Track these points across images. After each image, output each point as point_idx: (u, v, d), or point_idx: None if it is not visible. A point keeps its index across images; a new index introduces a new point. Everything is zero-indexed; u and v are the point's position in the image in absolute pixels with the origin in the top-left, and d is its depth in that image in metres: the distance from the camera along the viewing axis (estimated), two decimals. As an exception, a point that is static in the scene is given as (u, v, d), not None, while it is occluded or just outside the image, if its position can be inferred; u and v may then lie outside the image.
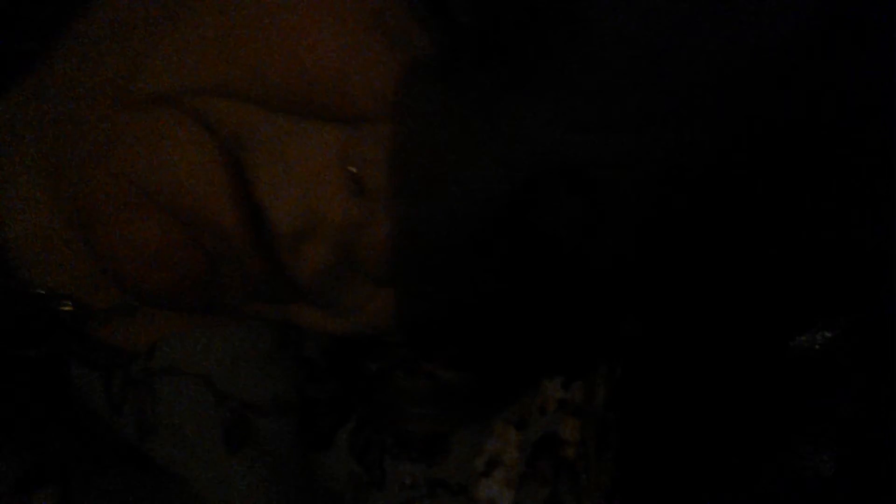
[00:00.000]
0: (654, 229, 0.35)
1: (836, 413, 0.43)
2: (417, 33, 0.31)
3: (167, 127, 0.32)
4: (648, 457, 0.42)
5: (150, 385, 0.35)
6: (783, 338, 0.44)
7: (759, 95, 0.32)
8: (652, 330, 0.42)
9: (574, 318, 0.39)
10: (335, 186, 0.31)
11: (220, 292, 0.34)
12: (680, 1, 0.30)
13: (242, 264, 0.33)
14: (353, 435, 0.37)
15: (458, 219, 0.32)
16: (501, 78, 0.31)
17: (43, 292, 0.37)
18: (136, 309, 0.38)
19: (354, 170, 0.31)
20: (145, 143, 0.32)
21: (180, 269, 0.33)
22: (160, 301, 0.36)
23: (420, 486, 0.37)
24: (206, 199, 0.31)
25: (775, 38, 0.31)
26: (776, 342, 0.44)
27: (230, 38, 0.31)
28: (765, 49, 0.31)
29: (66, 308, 0.37)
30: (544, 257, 0.35)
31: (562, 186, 0.33)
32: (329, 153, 0.31)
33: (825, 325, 0.44)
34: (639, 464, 0.42)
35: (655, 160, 0.33)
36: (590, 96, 0.31)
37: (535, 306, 0.37)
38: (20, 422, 0.34)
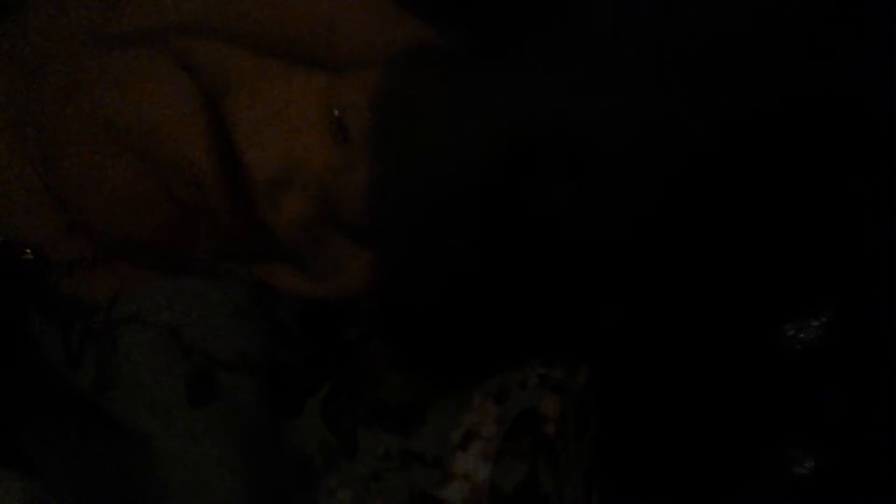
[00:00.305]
0: (641, 204, 0.34)
1: (823, 409, 0.43)
2: None
3: (145, 65, 0.31)
4: (629, 443, 0.41)
5: (112, 335, 0.33)
6: (770, 327, 0.43)
7: (749, 61, 0.32)
8: (637, 314, 0.42)
9: (557, 295, 0.38)
10: (318, 132, 0.30)
11: (192, 246, 0.33)
12: None
13: (216, 214, 0.31)
14: (325, 402, 0.36)
15: (438, 177, 0.31)
16: (489, 40, 0.30)
17: (1, 240, 0.35)
18: (99, 262, 0.36)
19: (338, 113, 0.30)
20: (121, 81, 0.31)
21: (151, 218, 0.32)
22: (128, 252, 0.34)
23: (393, 457, 0.36)
24: (180, 141, 0.30)
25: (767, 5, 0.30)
26: (763, 331, 0.43)
27: None
28: (755, 13, 0.30)
29: (27, 257, 0.35)
30: (528, 229, 0.34)
31: (548, 156, 0.32)
32: (314, 98, 0.31)
33: (812, 316, 0.43)
34: (619, 449, 0.40)
35: (642, 126, 0.32)
36: (576, 59, 0.31)
37: (517, 280, 0.36)
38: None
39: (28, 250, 0.36)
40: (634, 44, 0.30)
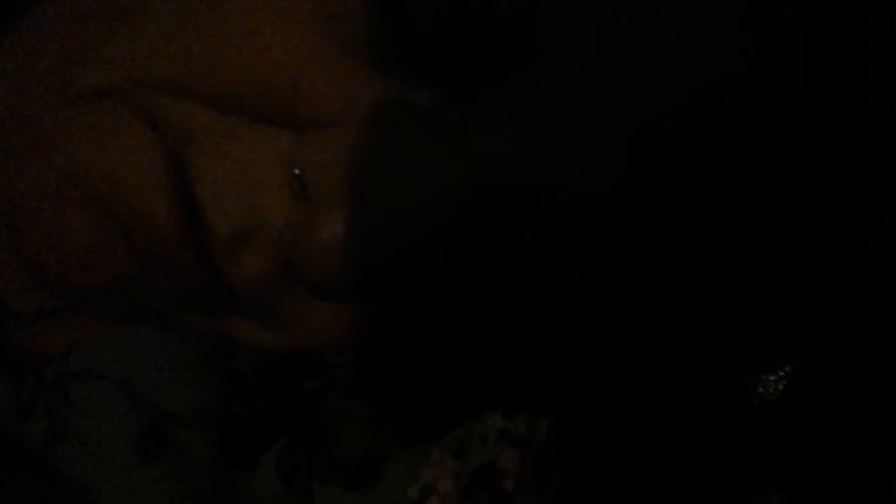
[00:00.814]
0: (607, 255, 0.35)
1: (785, 457, 0.43)
2: (375, 43, 0.30)
3: (110, 120, 0.31)
4: (594, 496, 0.40)
5: (65, 389, 0.33)
6: (733, 379, 0.43)
7: (716, 126, 0.32)
8: (600, 365, 0.42)
9: (520, 345, 0.38)
10: (279, 190, 0.31)
11: (151, 297, 0.33)
12: (638, 28, 0.30)
13: (176, 267, 0.31)
14: (280, 456, 0.35)
15: (401, 231, 0.31)
16: (458, 93, 0.31)
17: (-41, 287, 0.35)
18: (58, 313, 0.36)
19: (298, 171, 0.30)
20: (85, 135, 0.31)
21: (110, 269, 0.32)
22: (86, 302, 0.34)
23: (349, 513, 0.35)
24: (141, 195, 0.31)
25: (732, 66, 0.31)
26: (726, 383, 0.43)
27: (183, 36, 0.31)
28: (720, 78, 0.31)
29: (-17, 305, 0.35)
30: (493, 278, 0.34)
31: (515, 207, 0.33)
32: (275, 156, 0.31)
33: (772, 369, 0.43)
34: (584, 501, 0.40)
35: (607, 186, 0.32)
36: (546, 119, 0.31)
37: (479, 330, 0.36)
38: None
39: (-16, 298, 0.36)
40: (607, 103, 0.31)
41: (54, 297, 0.35)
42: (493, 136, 0.31)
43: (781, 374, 0.42)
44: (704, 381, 0.42)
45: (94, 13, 0.33)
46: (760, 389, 0.42)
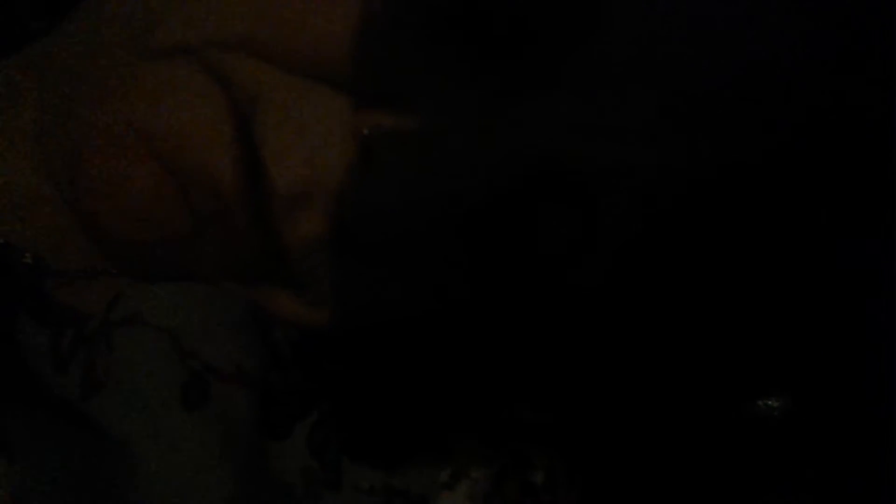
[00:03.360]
0: (640, 252, 0.35)
1: (790, 478, 0.42)
2: (438, 20, 0.31)
3: (180, 77, 0.31)
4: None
5: (108, 337, 0.33)
6: (740, 400, 0.43)
7: (769, 111, 0.32)
8: (610, 372, 0.41)
9: (549, 338, 0.38)
10: (342, 151, 0.31)
11: (197, 261, 0.33)
12: (695, 13, 0.31)
13: (229, 227, 0.32)
14: (312, 429, 0.35)
15: (452, 202, 0.32)
16: (515, 71, 0.31)
17: (2, 241, 0.35)
18: (99, 274, 0.36)
19: (366, 131, 0.31)
20: (154, 90, 0.32)
21: (162, 226, 0.32)
22: (132, 261, 0.34)
23: (377, 492, 0.35)
24: (206, 151, 0.31)
25: (782, 51, 0.31)
26: (732, 403, 0.43)
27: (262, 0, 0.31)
28: (773, 61, 0.31)
29: (26, 260, 0.35)
30: (523, 265, 0.34)
31: (554, 193, 0.33)
32: (341, 119, 0.31)
33: (779, 392, 0.43)
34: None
35: (652, 174, 0.32)
36: (599, 100, 0.31)
37: (509, 318, 0.36)
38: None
39: (27, 254, 0.35)
40: (661, 87, 0.31)
41: (95, 257, 0.35)
42: (545, 114, 0.31)
43: (784, 396, 0.42)
44: (713, 400, 0.42)
45: None
46: (764, 412, 0.42)
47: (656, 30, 0.31)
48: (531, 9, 0.31)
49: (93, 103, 0.33)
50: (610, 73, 0.31)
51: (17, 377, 0.33)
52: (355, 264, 0.33)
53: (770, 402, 0.42)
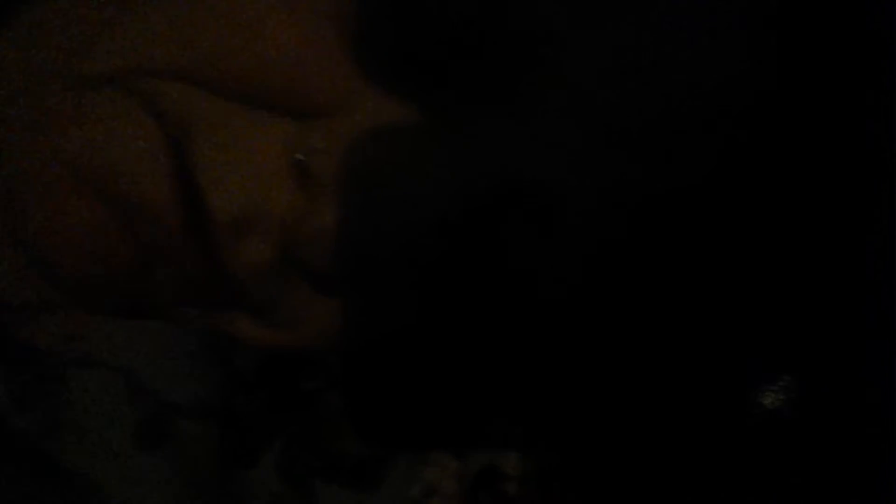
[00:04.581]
0: (604, 261, 0.35)
1: (787, 471, 0.42)
2: (379, 40, 0.31)
3: (112, 107, 0.31)
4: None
5: (63, 376, 0.32)
6: (735, 390, 0.43)
7: (716, 128, 0.32)
8: (598, 374, 0.41)
9: (519, 352, 0.38)
10: (279, 176, 0.31)
11: (149, 290, 0.33)
12: (649, 31, 0.31)
13: (176, 257, 0.31)
14: (280, 454, 0.35)
15: (401, 224, 0.31)
16: (462, 92, 0.31)
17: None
18: (55, 308, 0.35)
19: (301, 157, 0.30)
20: (87, 122, 0.31)
21: (109, 259, 0.31)
22: (86, 296, 0.34)
23: (350, 512, 0.35)
24: (142, 183, 0.30)
25: (731, 64, 0.31)
26: (727, 394, 0.43)
27: (189, 24, 0.31)
28: (720, 77, 0.31)
29: (-19, 298, 0.35)
30: (487, 282, 0.34)
31: (514, 209, 0.33)
32: (277, 143, 0.31)
33: (773, 379, 0.43)
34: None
35: (608, 186, 0.33)
36: (554, 117, 0.31)
37: (476, 334, 0.36)
38: None
39: (-18, 291, 0.35)
40: (615, 102, 0.31)
41: (49, 292, 0.35)
42: (494, 136, 0.31)
43: (782, 384, 0.41)
44: (705, 393, 0.42)
45: (97, 3, 0.33)
46: (761, 401, 0.42)
47: (596, 58, 0.30)
48: (472, 39, 0.30)
49: (27, 135, 0.32)
50: (553, 99, 0.30)
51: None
52: (309, 292, 0.33)
53: (769, 389, 0.42)
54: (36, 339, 0.35)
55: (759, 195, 0.35)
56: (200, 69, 0.31)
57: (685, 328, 0.39)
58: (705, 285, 0.37)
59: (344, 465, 0.35)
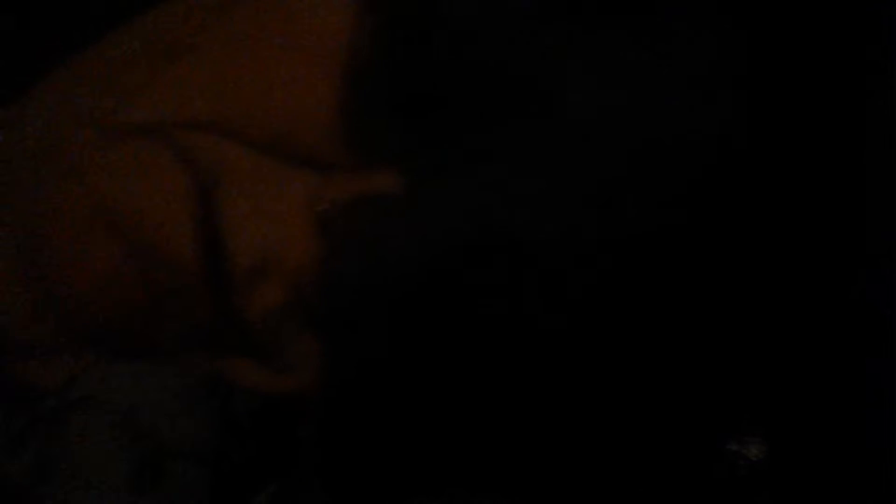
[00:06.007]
0: (574, 308, 0.35)
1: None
2: (390, 102, 0.32)
3: (143, 154, 0.33)
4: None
5: (64, 418, 0.33)
6: (716, 441, 0.43)
7: (677, 180, 0.33)
8: (583, 420, 0.41)
9: (506, 403, 0.38)
10: (300, 225, 0.32)
11: (157, 334, 0.34)
12: (618, 88, 0.32)
13: (188, 301, 0.32)
14: (272, 500, 0.35)
15: (386, 272, 0.32)
16: (458, 148, 0.32)
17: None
18: (59, 348, 0.36)
19: (322, 207, 0.32)
20: (118, 168, 0.33)
21: (122, 302, 0.33)
22: (96, 336, 0.35)
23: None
24: (166, 226, 0.32)
25: (682, 122, 0.33)
26: (708, 445, 0.43)
27: (231, 80, 0.33)
28: (675, 134, 0.33)
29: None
30: (468, 331, 0.35)
31: (493, 259, 0.33)
32: (300, 193, 0.33)
33: (753, 429, 0.43)
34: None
35: (590, 240, 0.33)
36: (539, 172, 0.32)
37: (461, 385, 0.36)
38: None
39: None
40: (597, 159, 0.32)
41: (59, 332, 0.36)
42: (468, 192, 0.32)
43: (761, 435, 0.42)
44: (687, 444, 0.42)
45: (141, 56, 0.35)
46: (743, 452, 0.42)
47: (591, 108, 0.32)
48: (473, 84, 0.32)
49: (58, 182, 0.33)
50: (547, 148, 0.32)
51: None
52: (314, 339, 0.34)
53: (749, 440, 0.42)
54: (39, 379, 0.35)
55: (729, 241, 0.36)
56: (233, 122, 0.33)
57: (655, 377, 0.39)
58: (677, 331, 0.37)
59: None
